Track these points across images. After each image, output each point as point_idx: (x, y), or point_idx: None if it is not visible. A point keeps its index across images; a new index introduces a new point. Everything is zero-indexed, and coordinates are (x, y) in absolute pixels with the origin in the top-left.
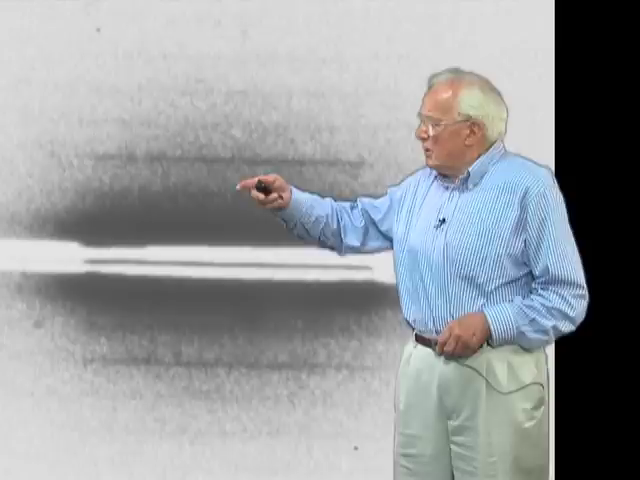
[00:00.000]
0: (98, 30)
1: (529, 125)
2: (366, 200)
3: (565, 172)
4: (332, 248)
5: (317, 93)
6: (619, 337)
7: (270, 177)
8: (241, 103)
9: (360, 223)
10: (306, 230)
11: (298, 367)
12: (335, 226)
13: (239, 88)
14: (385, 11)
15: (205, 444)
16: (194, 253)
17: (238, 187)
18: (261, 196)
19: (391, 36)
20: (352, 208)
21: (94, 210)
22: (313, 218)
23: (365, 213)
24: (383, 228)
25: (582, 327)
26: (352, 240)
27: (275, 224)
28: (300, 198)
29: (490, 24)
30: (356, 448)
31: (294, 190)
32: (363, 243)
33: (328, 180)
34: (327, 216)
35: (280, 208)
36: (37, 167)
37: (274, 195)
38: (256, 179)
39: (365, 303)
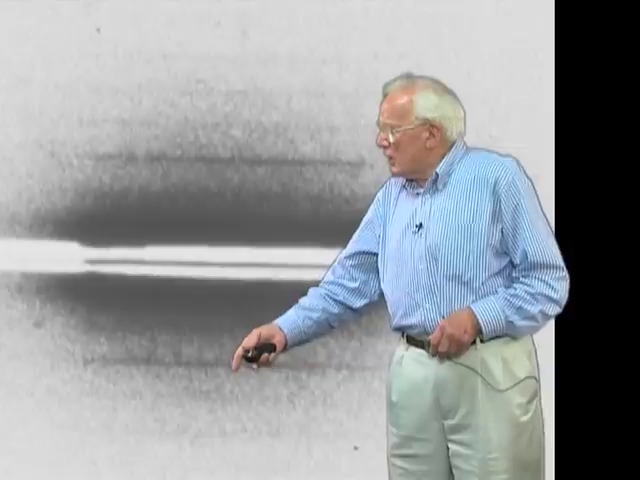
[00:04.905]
0: (98, 30)
1: (529, 125)
2: (354, 250)
3: (565, 172)
4: (352, 319)
5: (317, 93)
6: (619, 334)
7: (251, 338)
8: (241, 103)
9: (355, 283)
10: (319, 334)
11: (298, 367)
12: (337, 310)
13: (239, 88)
14: (385, 11)
15: (205, 444)
16: (194, 253)
17: (234, 369)
18: (254, 366)
19: (391, 36)
20: (339, 275)
21: (94, 210)
22: (314, 327)
23: (360, 266)
24: None
25: (583, 324)
26: (359, 301)
27: (275, 224)
28: (293, 326)
29: (490, 24)
30: (356, 448)
31: (282, 324)
32: (370, 296)
33: (328, 180)
34: (323, 310)
35: (284, 350)
36: (37, 167)
37: (264, 356)
38: (240, 352)
39: None
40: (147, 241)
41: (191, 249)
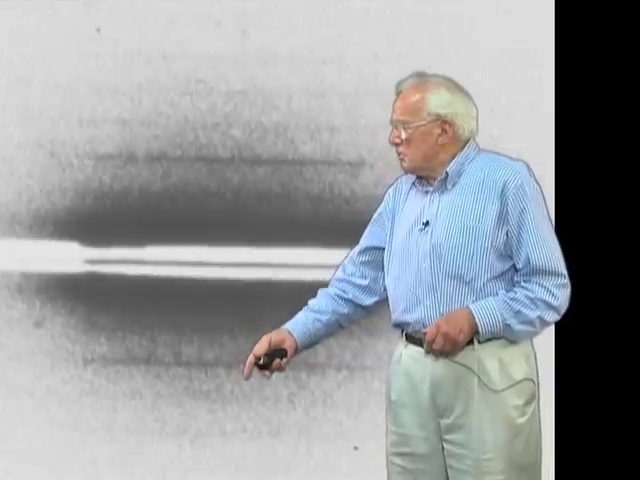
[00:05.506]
0: (98, 30)
1: (529, 125)
2: (364, 246)
3: (565, 172)
4: (362, 318)
5: (317, 93)
6: (619, 337)
7: (261, 345)
8: (241, 103)
9: (365, 280)
10: (330, 335)
11: (298, 367)
12: (347, 310)
13: (239, 88)
14: (385, 11)
15: (205, 444)
16: (194, 253)
17: (245, 377)
18: (267, 373)
19: (391, 36)
20: (350, 273)
21: (94, 210)
22: (323, 330)
23: (370, 263)
24: None
25: (583, 327)
26: (369, 299)
27: (275, 224)
28: (303, 330)
29: (490, 24)
30: (356, 448)
31: (291, 329)
32: (380, 293)
33: (328, 180)
34: (333, 312)
35: (294, 354)
36: (37, 167)
37: (276, 362)
38: (252, 360)
39: None
40: (147, 241)
41: (191, 249)
